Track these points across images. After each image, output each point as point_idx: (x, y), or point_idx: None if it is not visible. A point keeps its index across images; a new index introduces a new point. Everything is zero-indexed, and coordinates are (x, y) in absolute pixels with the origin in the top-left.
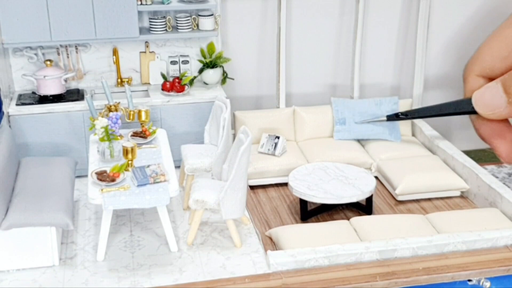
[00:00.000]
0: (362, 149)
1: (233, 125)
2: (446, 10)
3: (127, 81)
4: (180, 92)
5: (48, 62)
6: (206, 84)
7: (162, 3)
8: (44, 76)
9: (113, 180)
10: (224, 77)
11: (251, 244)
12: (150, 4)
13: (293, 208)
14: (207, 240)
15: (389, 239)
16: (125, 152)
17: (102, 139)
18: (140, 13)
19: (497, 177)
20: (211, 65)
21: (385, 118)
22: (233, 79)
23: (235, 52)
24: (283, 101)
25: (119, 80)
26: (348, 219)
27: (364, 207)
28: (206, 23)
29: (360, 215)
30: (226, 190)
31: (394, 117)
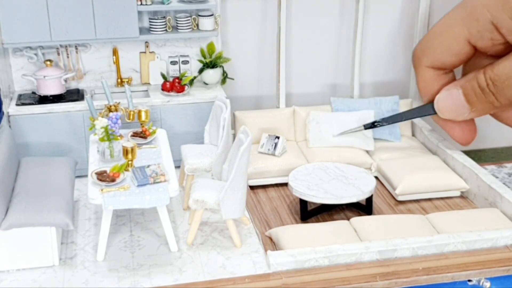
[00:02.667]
0: (362, 149)
1: (233, 125)
2: (445, 10)
3: (127, 81)
4: (180, 92)
5: (48, 62)
6: (206, 84)
7: (162, 3)
8: (44, 76)
9: (113, 180)
10: (224, 77)
11: (251, 244)
12: (150, 4)
13: (293, 208)
14: (207, 240)
15: (389, 239)
16: (125, 152)
17: (102, 139)
18: (140, 13)
19: (497, 177)
20: (211, 65)
21: (362, 128)
22: (233, 79)
23: (235, 52)
24: (283, 101)
25: (119, 80)
26: (348, 219)
27: (364, 207)
28: (206, 23)
29: (360, 215)
30: (226, 190)
31: (371, 125)
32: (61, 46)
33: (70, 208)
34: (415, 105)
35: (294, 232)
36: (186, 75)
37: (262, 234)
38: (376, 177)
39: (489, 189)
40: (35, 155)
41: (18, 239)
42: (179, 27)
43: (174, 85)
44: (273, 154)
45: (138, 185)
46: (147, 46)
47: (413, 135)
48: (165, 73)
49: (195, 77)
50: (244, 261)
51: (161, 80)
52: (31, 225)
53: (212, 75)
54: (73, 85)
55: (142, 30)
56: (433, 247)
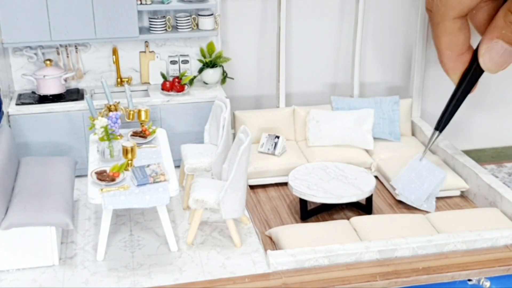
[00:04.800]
0: (362, 148)
1: (233, 124)
2: None
3: (127, 81)
4: (180, 91)
5: (48, 62)
6: (206, 83)
7: (162, 2)
8: (44, 76)
9: (113, 180)
10: (224, 76)
11: (251, 243)
12: (150, 4)
13: (293, 208)
14: (207, 240)
15: (389, 239)
16: (125, 151)
17: (102, 139)
18: (140, 12)
19: (497, 177)
20: (211, 64)
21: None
22: (233, 78)
23: (235, 52)
24: (283, 101)
25: (119, 79)
26: (348, 218)
27: (364, 207)
28: (206, 22)
29: (360, 214)
30: (226, 189)
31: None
32: (61, 45)
33: (70, 208)
34: (414, 106)
35: (294, 231)
36: (186, 74)
37: (262, 234)
38: (376, 177)
39: (489, 189)
40: (35, 154)
41: (18, 238)
42: (179, 27)
43: (174, 85)
44: (273, 154)
45: (138, 185)
46: (147, 46)
47: (413, 134)
48: (165, 72)
49: (195, 77)
50: (244, 260)
51: (161, 80)
52: (31, 224)
53: (212, 74)
54: (73, 84)
55: (142, 30)
56: (433, 247)
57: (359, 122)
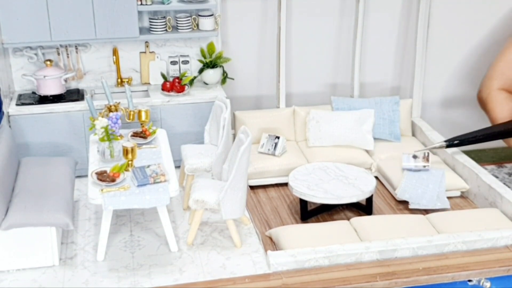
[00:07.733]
0: (362, 149)
1: (233, 125)
2: (446, 10)
3: (127, 81)
4: (180, 92)
5: (48, 62)
6: (206, 84)
7: (162, 3)
8: (44, 76)
9: (113, 180)
10: (224, 77)
11: (251, 244)
12: (150, 4)
13: (293, 208)
14: (207, 240)
15: (389, 239)
16: (125, 152)
17: (102, 139)
18: (140, 13)
19: (497, 177)
20: (211, 65)
21: (444, 144)
22: (233, 79)
23: (235, 52)
24: (283, 101)
25: (119, 80)
26: (348, 219)
27: (364, 207)
28: (206, 23)
29: (360, 215)
30: (226, 190)
31: (453, 143)
32: (61, 46)
33: (70, 208)
34: (415, 107)
35: (294, 232)
36: (186, 75)
37: (262, 234)
38: (376, 177)
39: (489, 189)
40: (35, 155)
41: (18, 239)
42: (179, 27)
43: (174, 85)
44: (273, 154)
45: (138, 185)
46: (147, 46)
47: (413, 135)
48: (165, 73)
49: (195, 77)
50: (244, 261)
51: (161, 80)
52: (31, 225)
53: (212, 75)
54: (73, 85)
55: (142, 30)
56: (433, 247)
57: (359, 123)
